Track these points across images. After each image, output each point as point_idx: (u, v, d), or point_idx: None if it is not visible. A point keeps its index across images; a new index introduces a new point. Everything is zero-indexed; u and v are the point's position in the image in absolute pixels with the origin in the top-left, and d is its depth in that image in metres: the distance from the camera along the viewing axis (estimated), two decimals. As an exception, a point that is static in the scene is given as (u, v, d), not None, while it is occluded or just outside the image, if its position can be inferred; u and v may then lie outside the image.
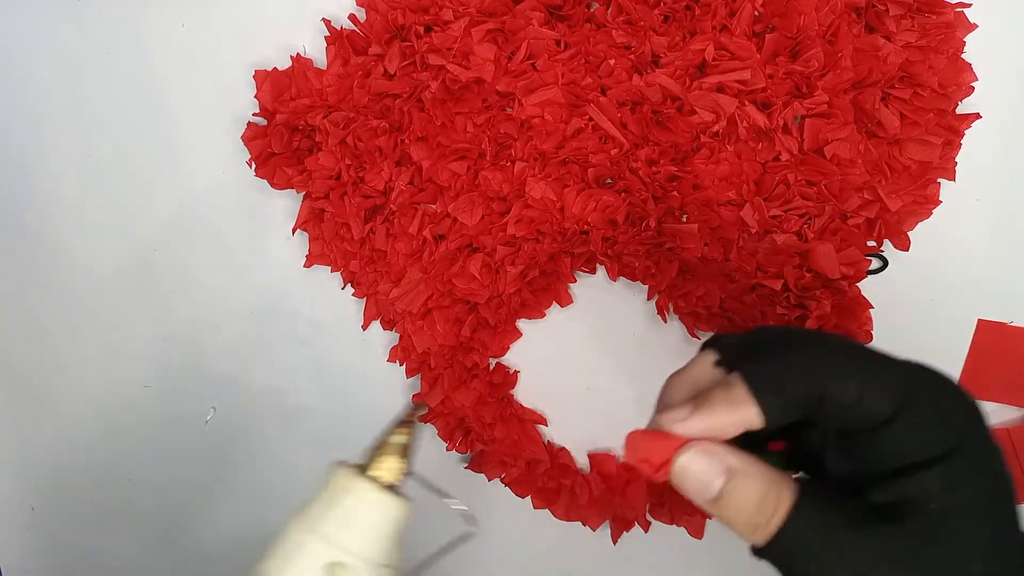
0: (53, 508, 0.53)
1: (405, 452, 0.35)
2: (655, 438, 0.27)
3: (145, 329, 0.46)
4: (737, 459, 0.26)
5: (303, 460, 0.50)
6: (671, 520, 0.46)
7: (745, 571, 0.48)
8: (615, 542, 0.47)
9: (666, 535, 0.47)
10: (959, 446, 0.25)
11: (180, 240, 0.47)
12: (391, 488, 0.34)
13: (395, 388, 0.48)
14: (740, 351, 0.28)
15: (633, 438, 0.27)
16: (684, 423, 0.26)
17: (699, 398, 0.27)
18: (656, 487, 0.46)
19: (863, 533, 0.25)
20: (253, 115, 0.44)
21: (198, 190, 0.47)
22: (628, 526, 0.47)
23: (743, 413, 0.26)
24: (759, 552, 0.26)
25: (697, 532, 0.46)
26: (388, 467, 0.34)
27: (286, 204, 0.46)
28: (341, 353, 0.49)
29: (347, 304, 0.47)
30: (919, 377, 0.26)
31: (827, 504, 0.26)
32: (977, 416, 0.26)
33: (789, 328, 0.33)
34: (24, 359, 0.51)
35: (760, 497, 0.26)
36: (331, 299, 0.47)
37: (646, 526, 0.47)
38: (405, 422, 0.36)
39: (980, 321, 0.43)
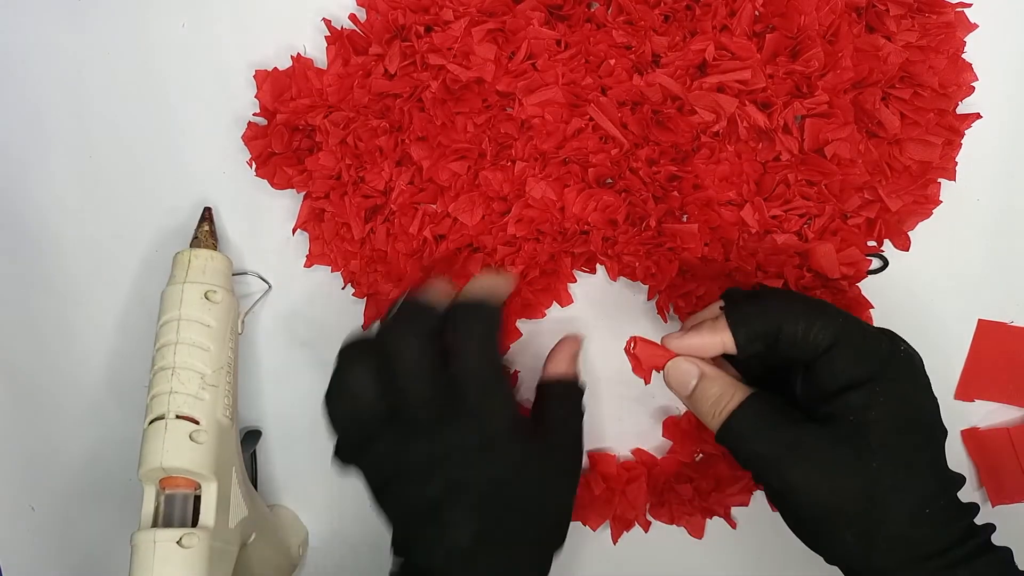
0: (53, 508, 0.53)
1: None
2: (653, 347, 0.38)
3: (145, 329, 0.46)
4: (708, 368, 0.37)
5: (303, 460, 0.50)
6: (671, 520, 0.46)
7: (745, 571, 0.48)
8: (615, 542, 0.47)
9: (666, 535, 0.47)
10: (877, 376, 0.33)
11: (180, 240, 0.47)
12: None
13: None
14: (738, 299, 0.38)
15: (635, 340, 0.38)
16: (678, 339, 0.37)
17: (694, 325, 0.37)
18: (656, 487, 0.46)
19: (794, 427, 0.34)
20: (253, 115, 0.44)
21: (198, 190, 0.47)
22: (628, 526, 0.47)
23: (719, 337, 0.36)
24: (717, 438, 0.36)
25: (697, 532, 0.46)
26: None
27: (286, 204, 0.46)
28: None
29: (347, 304, 0.47)
30: (855, 322, 0.35)
31: (770, 405, 0.35)
32: (896, 355, 0.34)
33: (776, 288, 0.41)
34: (24, 359, 0.51)
35: (719, 393, 0.36)
36: (331, 299, 0.47)
37: (646, 526, 0.47)
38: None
39: (980, 321, 0.43)
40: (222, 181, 0.47)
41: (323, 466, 0.49)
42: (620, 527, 0.47)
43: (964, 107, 0.41)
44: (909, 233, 0.42)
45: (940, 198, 0.41)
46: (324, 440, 0.48)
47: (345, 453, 0.39)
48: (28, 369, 0.51)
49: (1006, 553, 0.34)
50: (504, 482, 0.37)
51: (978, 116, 0.40)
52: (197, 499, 0.40)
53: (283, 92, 0.43)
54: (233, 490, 0.42)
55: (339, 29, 0.42)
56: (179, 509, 0.40)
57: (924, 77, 0.39)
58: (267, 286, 0.47)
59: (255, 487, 0.48)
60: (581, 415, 0.41)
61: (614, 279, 0.44)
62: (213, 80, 0.46)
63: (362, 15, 0.42)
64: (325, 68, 0.43)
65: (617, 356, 0.46)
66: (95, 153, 0.48)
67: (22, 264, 0.50)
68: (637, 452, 0.47)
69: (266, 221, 0.47)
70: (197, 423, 0.40)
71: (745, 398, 0.35)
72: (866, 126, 0.40)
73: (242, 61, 0.45)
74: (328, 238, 0.44)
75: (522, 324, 0.46)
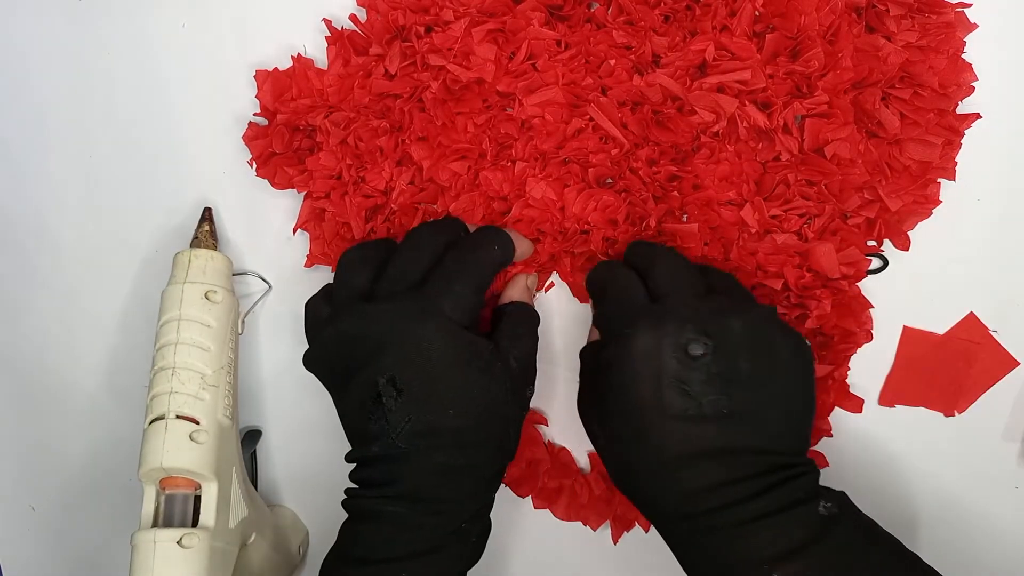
0: (53, 508, 0.53)
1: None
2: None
3: (145, 329, 0.46)
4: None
5: (303, 460, 0.50)
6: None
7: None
8: (615, 542, 0.47)
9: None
10: (621, 336, 0.35)
11: (180, 240, 0.47)
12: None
13: None
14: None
15: None
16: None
17: None
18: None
19: None
20: (254, 115, 0.44)
21: (198, 190, 0.47)
22: (628, 526, 0.47)
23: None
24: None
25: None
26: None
27: (287, 204, 0.46)
28: None
29: None
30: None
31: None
32: (636, 322, 0.35)
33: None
34: (24, 359, 0.51)
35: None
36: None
37: (646, 526, 0.47)
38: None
39: (905, 328, 0.43)
40: (222, 181, 0.47)
41: (323, 466, 0.50)
42: (620, 527, 0.47)
43: (964, 107, 0.41)
44: (909, 233, 0.42)
45: (940, 198, 0.41)
46: (324, 440, 0.48)
47: (308, 326, 0.40)
48: (28, 369, 0.51)
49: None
50: (448, 374, 0.36)
51: (978, 116, 0.40)
52: (197, 499, 0.40)
53: (284, 92, 0.43)
54: (233, 490, 0.42)
55: (339, 29, 0.42)
56: (179, 509, 0.40)
57: (924, 77, 0.39)
58: (267, 286, 0.47)
59: (255, 487, 0.48)
60: (535, 337, 0.41)
61: (614, 279, 0.44)
62: (213, 80, 0.46)
63: (362, 15, 0.43)
64: (326, 68, 0.43)
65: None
66: (95, 153, 0.48)
67: (22, 264, 0.50)
68: (637, 452, 0.47)
69: (266, 221, 0.47)
70: (197, 423, 0.40)
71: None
72: (866, 126, 0.40)
73: (242, 61, 0.45)
74: (328, 238, 0.44)
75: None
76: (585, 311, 0.46)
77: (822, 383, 0.43)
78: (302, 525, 0.51)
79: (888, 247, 0.43)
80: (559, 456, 0.47)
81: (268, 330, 0.48)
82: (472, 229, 0.41)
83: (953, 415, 0.44)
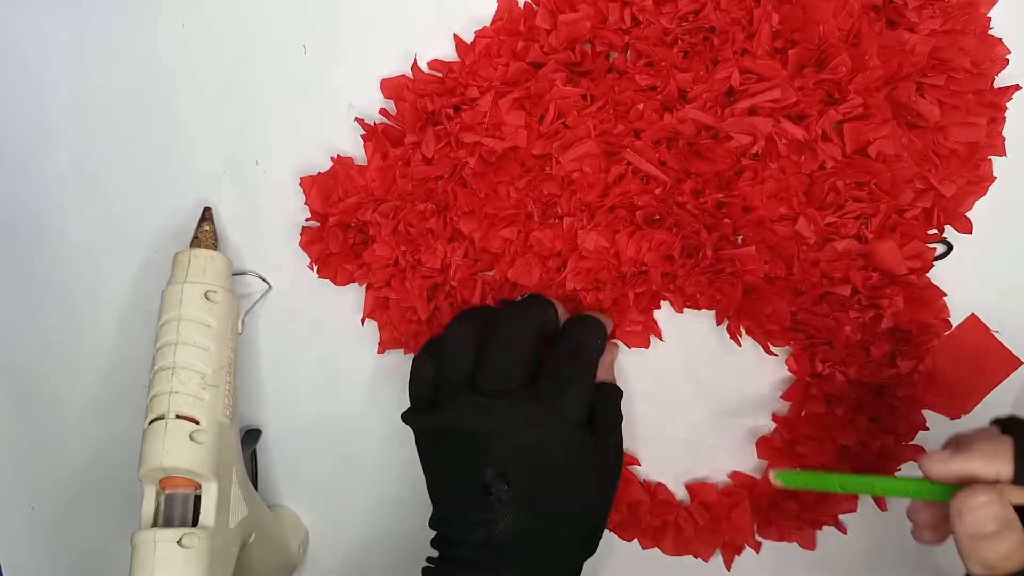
0: (53, 508, 0.53)
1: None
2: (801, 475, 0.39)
3: (145, 329, 0.46)
4: (1013, 515, 0.31)
5: (303, 460, 0.51)
6: (780, 537, 0.46)
7: (752, 571, 0.48)
8: (728, 568, 0.47)
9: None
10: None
11: (180, 240, 0.47)
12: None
13: (394, 386, 0.49)
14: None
15: (773, 471, 0.39)
16: (942, 464, 0.32)
17: (959, 447, 0.32)
18: (760, 508, 0.46)
19: None
20: (306, 220, 0.45)
21: (198, 190, 0.47)
22: (739, 551, 0.47)
23: (995, 467, 0.31)
24: None
25: (809, 544, 0.46)
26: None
27: (287, 204, 0.46)
28: (341, 352, 0.49)
29: (347, 304, 0.47)
30: None
31: None
32: None
33: None
34: (24, 359, 0.51)
35: (1010, 550, 0.31)
36: (331, 299, 0.48)
37: (757, 547, 0.47)
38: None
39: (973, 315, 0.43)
40: (222, 181, 0.47)
41: (323, 466, 0.50)
42: (731, 553, 0.47)
43: (1001, 81, 0.40)
44: (968, 215, 0.41)
45: (994, 174, 0.40)
46: (324, 440, 0.48)
47: (412, 410, 0.41)
48: (28, 369, 0.51)
49: None
50: (558, 475, 0.38)
51: (1017, 87, 0.39)
52: (197, 499, 0.41)
53: (330, 194, 0.44)
54: (233, 490, 0.42)
55: (372, 125, 0.44)
56: (179, 509, 0.40)
57: (955, 60, 0.39)
58: (267, 286, 0.48)
59: (255, 487, 0.48)
60: (621, 418, 0.42)
61: (679, 311, 0.45)
62: (213, 80, 0.46)
63: (390, 107, 0.44)
64: (365, 164, 0.44)
65: (694, 384, 0.46)
66: (95, 153, 0.48)
67: (22, 264, 0.50)
68: (735, 475, 0.47)
69: (266, 221, 0.47)
70: (197, 423, 0.41)
71: None
72: (906, 119, 0.40)
73: (243, 61, 0.45)
74: (396, 323, 0.45)
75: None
76: (655, 348, 0.46)
77: (908, 378, 0.42)
78: (302, 525, 0.51)
79: (949, 231, 0.42)
80: (658, 493, 0.47)
81: (268, 330, 0.49)
82: (548, 300, 0.42)
83: (959, 418, 0.43)
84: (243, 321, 0.46)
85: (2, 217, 0.50)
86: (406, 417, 0.41)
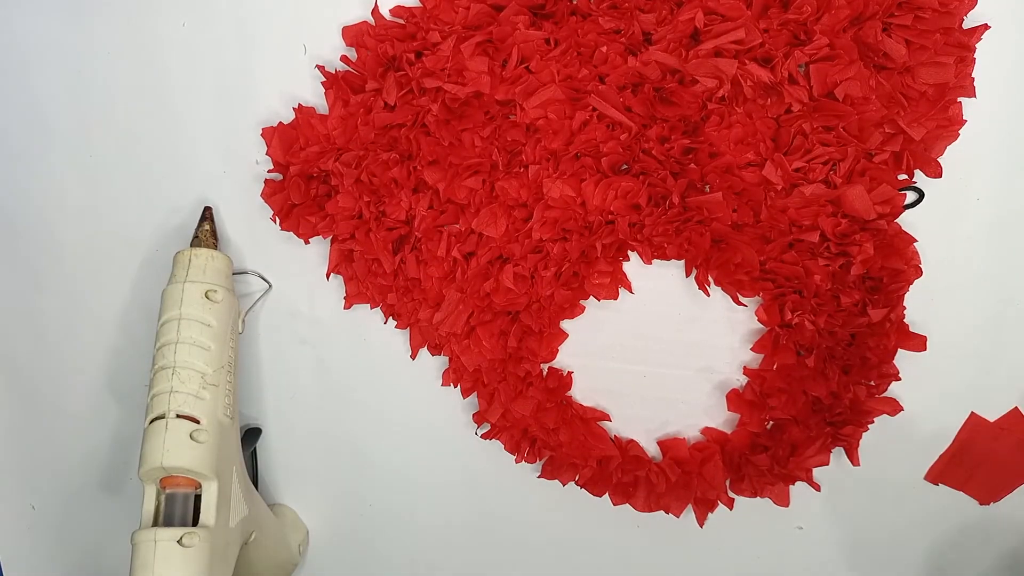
0: (54, 507, 0.53)
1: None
2: None
3: (145, 328, 0.46)
4: None
5: (303, 459, 0.50)
6: (754, 493, 0.45)
7: (748, 568, 0.47)
8: (701, 525, 0.46)
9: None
10: None
11: (180, 240, 0.47)
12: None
13: (394, 386, 0.49)
14: None
15: None
16: None
17: None
18: (732, 463, 0.45)
19: None
20: (268, 172, 0.45)
21: (198, 190, 0.47)
22: (712, 507, 0.46)
23: None
24: None
25: (782, 501, 0.46)
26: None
27: None
28: (341, 352, 0.49)
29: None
30: None
31: None
32: None
33: None
34: (24, 359, 0.51)
35: None
36: (331, 299, 0.47)
37: (730, 503, 0.46)
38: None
39: (972, 415, 0.44)
40: (222, 181, 0.47)
41: (323, 466, 0.50)
42: (704, 509, 0.46)
43: (970, 21, 0.39)
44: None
45: (964, 117, 0.40)
46: (324, 440, 0.48)
47: None
48: (29, 368, 0.51)
49: None
50: None
51: (986, 27, 0.39)
52: (197, 498, 0.40)
53: (292, 144, 0.43)
54: (233, 489, 0.42)
55: (333, 72, 0.43)
56: (180, 508, 0.40)
57: (922, -1, 0.38)
58: (267, 286, 0.48)
59: (255, 486, 0.48)
60: None
61: (648, 262, 0.44)
62: (213, 79, 0.46)
63: (352, 54, 0.43)
64: (327, 113, 0.43)
65: (664, 338, 0.46)
66: (95, 152, 0.48)
67: (22, 264, 0.50)
68: (706, 431, 0.46)
69: (266, 221, 0.46)
70: (198, 422, 0.41)
71: None
72: (873, 60, 0.39)
73: (242, 61, 0.45)
74: (361, 276, 0.45)
75: (566, 324, 0.46)
76: (637, 305, 0.45)
77: (880, 327, 0.41)
78: (302, 524, 0.51)
79: (920, 177, 0.41)
80: (629, 449, 0.46)
81: (268, 330, 0.49)
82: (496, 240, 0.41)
83: (988, 504, 0.45)
84: (243, 320, 0.46)
85: (2, 217, 0.50)
86: None
